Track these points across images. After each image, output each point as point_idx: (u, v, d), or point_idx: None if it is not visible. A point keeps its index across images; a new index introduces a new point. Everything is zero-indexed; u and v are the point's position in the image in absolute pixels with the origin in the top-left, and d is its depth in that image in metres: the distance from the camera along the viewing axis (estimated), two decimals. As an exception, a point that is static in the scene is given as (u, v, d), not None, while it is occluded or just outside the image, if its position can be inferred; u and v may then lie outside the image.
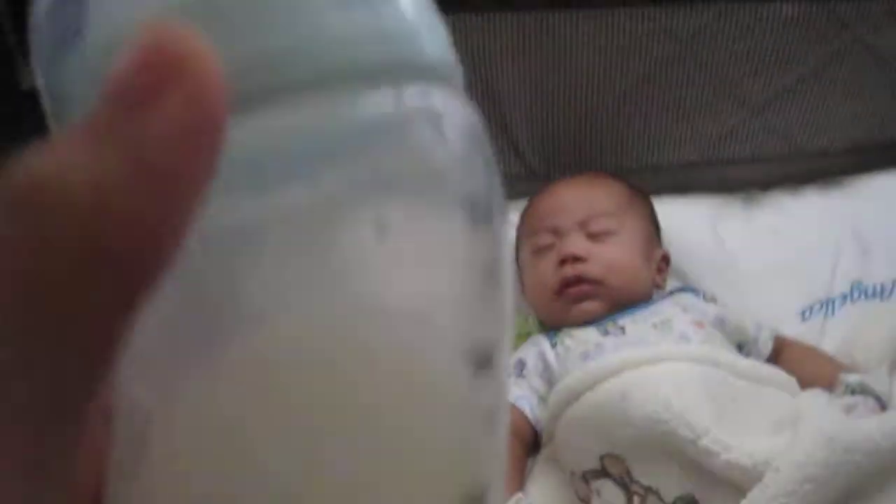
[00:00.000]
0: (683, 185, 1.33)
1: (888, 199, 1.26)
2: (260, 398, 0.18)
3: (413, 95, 0.19)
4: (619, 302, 1.07)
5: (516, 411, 1.01)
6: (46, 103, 0.20)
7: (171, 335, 0.18)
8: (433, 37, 0.20)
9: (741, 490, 0.81)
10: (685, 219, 1.27)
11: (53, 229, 0.14)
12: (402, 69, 0.19)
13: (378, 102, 0.18)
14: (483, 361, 0.20)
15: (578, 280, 1.07)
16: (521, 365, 1.05)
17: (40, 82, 0.20)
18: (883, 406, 0.94)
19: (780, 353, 1.08)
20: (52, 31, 0.19)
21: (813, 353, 1.07)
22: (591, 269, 1.07)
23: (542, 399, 1.02)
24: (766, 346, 1.07)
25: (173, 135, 0.15)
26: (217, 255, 0.17)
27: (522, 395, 1.02)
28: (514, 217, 1.21)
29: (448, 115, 0.20)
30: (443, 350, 0.20)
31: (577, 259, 1.07)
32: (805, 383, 0.95)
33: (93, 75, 0.17)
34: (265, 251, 0.18)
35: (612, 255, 1.08)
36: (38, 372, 0.15)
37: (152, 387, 0.18)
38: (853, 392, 0.95)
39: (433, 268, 0.19)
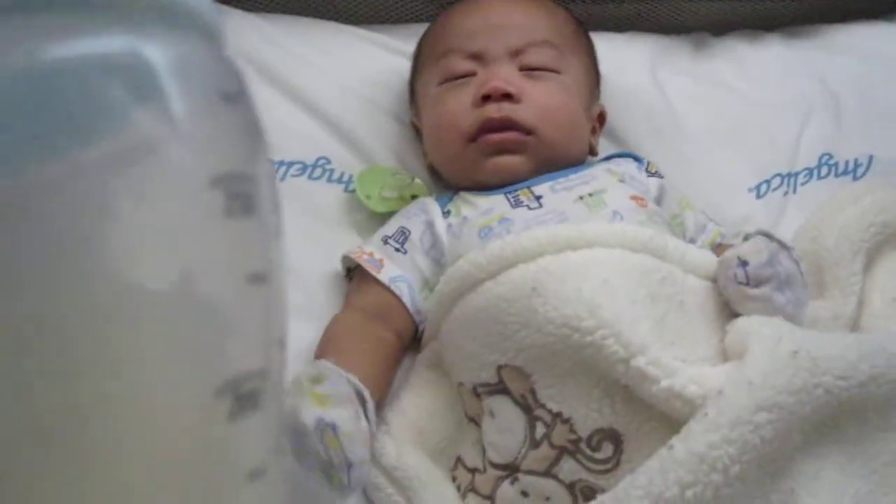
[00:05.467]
0: (623, 20, 1.07)
1: (869, 55, 1.03)
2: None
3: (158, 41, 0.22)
4: (547, 161, 0.82)
5: (390, 295, 0.77)
6: None
7: None
8: None
9: (680, 427, 0.60)
10: (620, 62, 1.01)
11: None
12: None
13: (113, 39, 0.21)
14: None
15: (505, 125, 0.81)
16: (403, 236, 0.80)
17: None
18: (796, 261, 0.69)
19: None
20: None
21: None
22: (523, 113, 0.81)
23: (427, 283, 0.78)
24: None
25: None
26: None
27: (400, 276, 0.78)
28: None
29: (200, 73, 0.22)
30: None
31: (506, 97, 0.81)
32: None
33: None
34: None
35: (551, 100, 0.82)
36: None
37: None
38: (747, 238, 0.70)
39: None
